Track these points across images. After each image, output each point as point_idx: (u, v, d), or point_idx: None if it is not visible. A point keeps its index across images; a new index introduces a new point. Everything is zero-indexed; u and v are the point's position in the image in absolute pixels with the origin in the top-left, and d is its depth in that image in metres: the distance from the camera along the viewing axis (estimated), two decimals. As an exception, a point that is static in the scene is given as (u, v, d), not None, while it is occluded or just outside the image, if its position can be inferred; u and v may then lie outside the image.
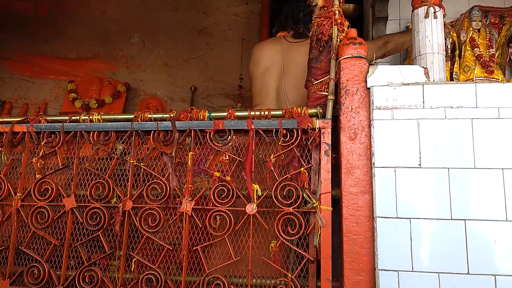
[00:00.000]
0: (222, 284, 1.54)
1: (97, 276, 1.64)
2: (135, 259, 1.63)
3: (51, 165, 1.80)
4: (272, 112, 1.65)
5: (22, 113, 4.25)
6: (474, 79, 2.65)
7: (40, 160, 1.77)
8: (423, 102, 1.48)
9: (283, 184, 1.56)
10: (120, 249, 1.65)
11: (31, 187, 1.74)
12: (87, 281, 1.65)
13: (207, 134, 1.66)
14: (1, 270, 1.73)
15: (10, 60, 4.41)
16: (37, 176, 1.75)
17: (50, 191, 1.73)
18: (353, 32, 1.66)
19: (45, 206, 1.72)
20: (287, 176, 1.57)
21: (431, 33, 1.63)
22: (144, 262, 1.62)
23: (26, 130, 1.81)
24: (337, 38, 1.70)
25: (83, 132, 1.76)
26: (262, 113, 1.65)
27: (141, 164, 1.70)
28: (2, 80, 4.40)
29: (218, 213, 1.59)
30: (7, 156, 1.81)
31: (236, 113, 1.68)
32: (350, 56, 1.57)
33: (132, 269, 1.63)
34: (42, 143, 1.78)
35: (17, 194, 1.75)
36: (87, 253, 1.70)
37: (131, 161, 1.69)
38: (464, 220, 1.37)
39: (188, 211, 1.59)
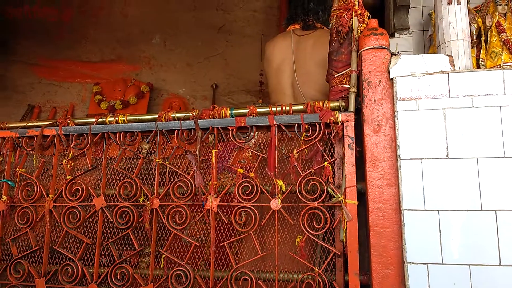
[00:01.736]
0: (249, 279, 1.56)
1: (128, 273, 1.68)
2: (164, 255, 1.67)
3: (81, 166, 1.86)
4: (293, 107, 1.64)
5: (50, 116, 4.39)
6: (501, 65, 2.57)
7: (70, 162, 1.83)
8: (449, 91, 1.44)
9: (307, 179, 1.56)
10: (149, 246, 1.69)
11: (62, 188, 1.80)
12: (119, 278, 1.70)
13: (230, 131, 1.67)
14: (36, 269, 1.80)
15: (37, 65, 4.55)
16: (67, 177, 1.81)
17: (80, 192, 1.78)
18: (374, 22, 1.63)
19: (76, 206, 1.77)
20: (311, 171, 1.56)
21: (455, 20, 1.59)
22: (173, 259, 1.66)
23: (56, 133, 1.86)
24: (358, 29, 1.68)
25: (109, 133, 1.81)
26: (284, 108, 1.64)
27: (167, 163, 1.73)
28: (31, 85, 4.55)
29: (243, 209, 1.60)
30: (38, 159, 1.88)
31: (258, 109, 1.68)
32: (372, 47, 1.55)
33: (161, 266, 1.67)
34: (71, 145, 1.84)
35: (49, 195, 1.81)
36: (118, 251, 1.75)
37: (157, 160, 1.73)
38: (495, 210, 1.33)
39: (213, 208, 1.61)
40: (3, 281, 1.81)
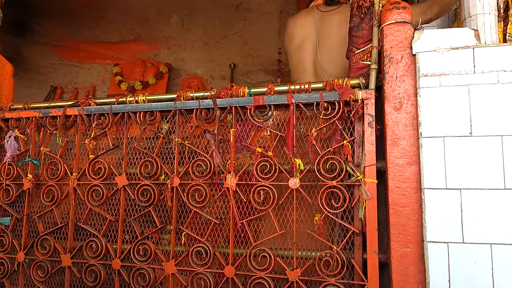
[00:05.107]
0: (268, 256, 1.58)
1: (150, 249, 1.73)
2: (184, 232, 1.70)
3: (103, 145, 1.89)
4: (312, 85, 1.62)
5: (72, 97, 4.47)
6: (531, 39, 2.45)
7: (92, 141, 1.87)
8: (474, 66, 1.39)
9: (325, 157, 1.55)
10: (170, 224, 1.73)
11: (85, 167, 1.85)
12: (141, 253, 1.74)
13: (248, 111, 1.67)
14: (62, 245, 1.87)
15: (59, 46, 4.60)
16: (90, 156, 1.85)
17: (103, 170, 1.82)
18: (396, -4, 1.58)
19: (99, 184, 1.82)
20: (330, 150, 1.55)
21: (482, -8, 1.52)
22: (193, 236, 1.69)
23: (78, 113, 1.90)
24: (379, 3, 1.63)
25: (130, 113, 1.83)
26: (302, 86, 1.62)
27: (186, 142, 1.74)
28: (53, 66, 4.63)
29: (261, 188, 1.61)
30: (62, 138, 1.92)
31: (276, 88, 1.67)
32: (394, 21, 1.51)
33: (182, 242, 1.70)
34: (93, 125, 1.87)
35: (73, 174, 1.86)
36: (140, 227, 1.79)
37: (176, 140, 1.74)
38: (520, 189, 1.30)
39: (232, 186, 1.63)
40: (30, 257, 1.88)
